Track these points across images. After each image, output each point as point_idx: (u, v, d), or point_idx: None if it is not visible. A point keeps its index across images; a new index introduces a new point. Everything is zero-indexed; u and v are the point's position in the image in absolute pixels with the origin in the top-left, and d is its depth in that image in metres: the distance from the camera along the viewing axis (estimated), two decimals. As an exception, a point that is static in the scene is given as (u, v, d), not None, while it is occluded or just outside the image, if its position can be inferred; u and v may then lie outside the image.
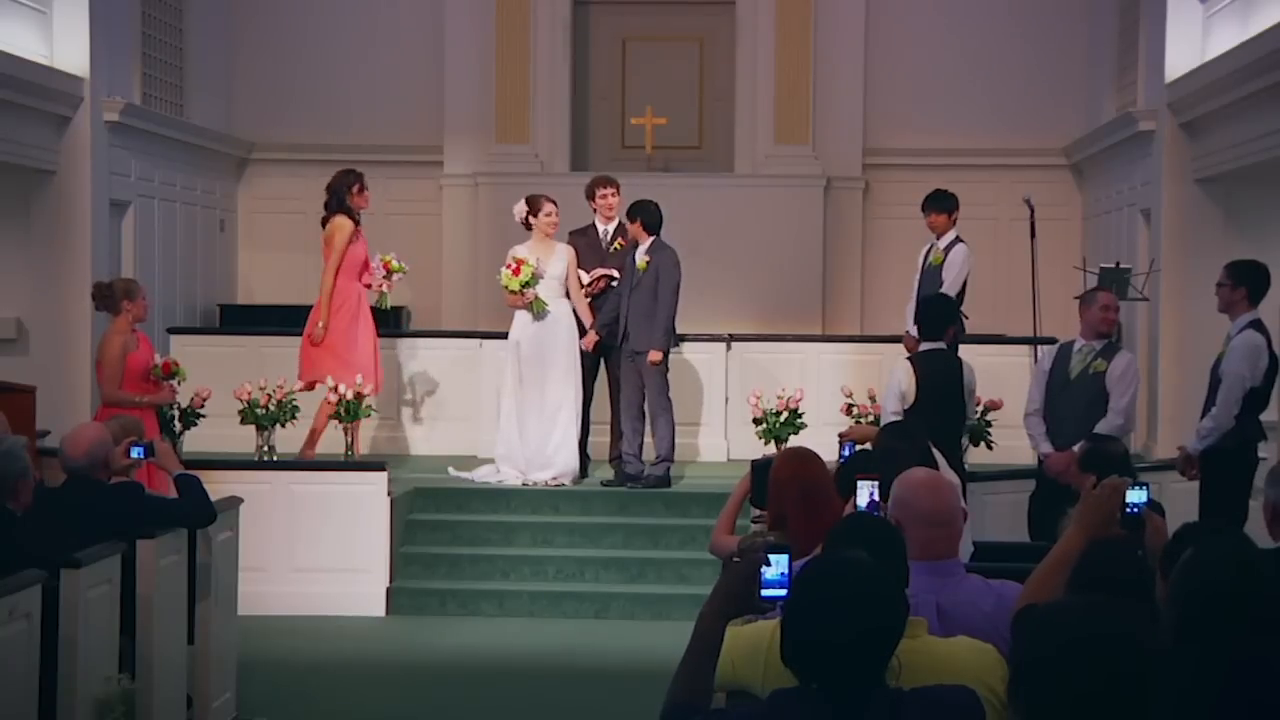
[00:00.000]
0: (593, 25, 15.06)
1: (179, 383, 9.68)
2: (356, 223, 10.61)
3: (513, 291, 10.39)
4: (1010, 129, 14.66)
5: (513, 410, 10.58)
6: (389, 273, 10.67)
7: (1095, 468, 5.89)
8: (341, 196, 10.58)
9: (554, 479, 10.52)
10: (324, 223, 10.65)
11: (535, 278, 10.38)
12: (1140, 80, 12.78)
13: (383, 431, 11.81)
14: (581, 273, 10.72)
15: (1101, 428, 8.01)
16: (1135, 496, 4.13)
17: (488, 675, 8.49)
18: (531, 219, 10.55)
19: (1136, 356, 12.39)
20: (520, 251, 10.49)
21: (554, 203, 10.58)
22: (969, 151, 14.57)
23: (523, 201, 10.64)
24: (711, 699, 3.33)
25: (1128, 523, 4.13)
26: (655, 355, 10.39)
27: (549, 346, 10.49)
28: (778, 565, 3.28)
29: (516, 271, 10.34)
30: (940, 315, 8.61)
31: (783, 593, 3.26)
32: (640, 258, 10.47)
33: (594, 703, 7.98)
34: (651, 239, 10.50)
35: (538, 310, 10.43)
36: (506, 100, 14.50)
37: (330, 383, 10.27)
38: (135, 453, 6.64)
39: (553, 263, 10.48)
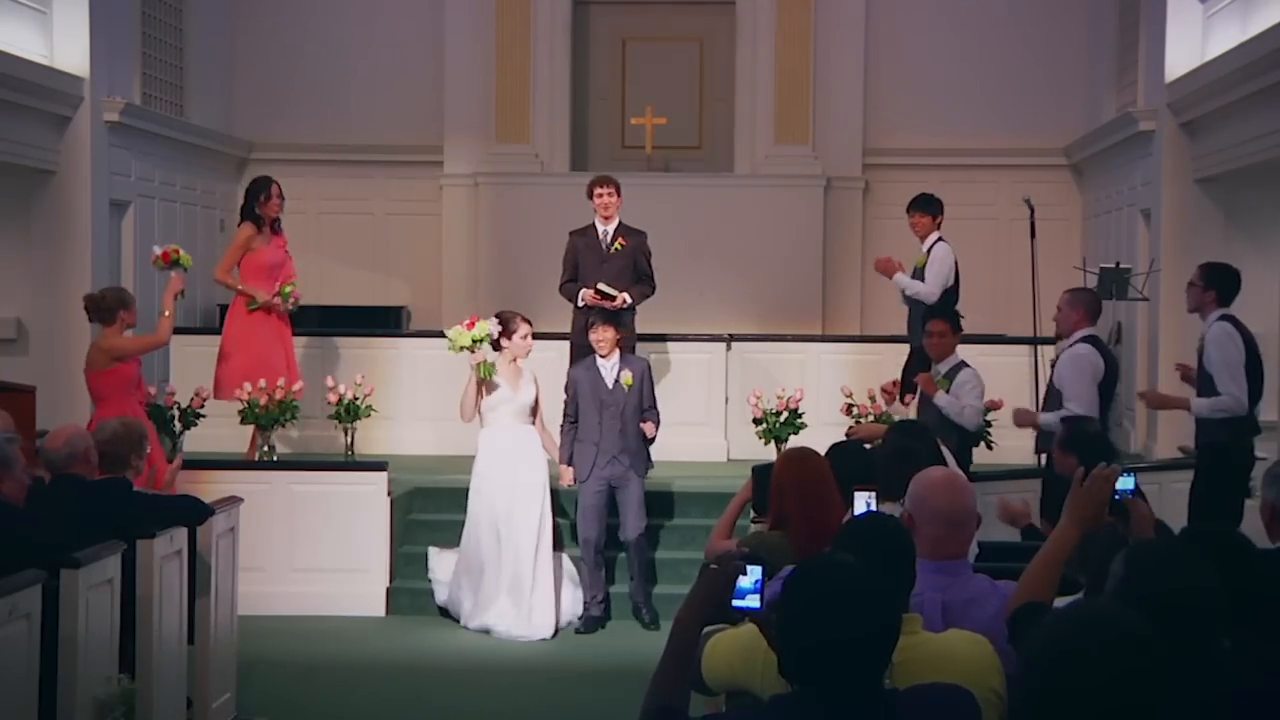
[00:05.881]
0: (593, 25, 15.06)
1: (184, 270, 9.51)
2: (274, 229, 10.78)
3: (461, 348, 9.17)
4: (1010, 129, 14.67)
5: (475, 554, 9.36)
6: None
7: (1077, 449, 6.05)
8: (252, 204, 10.79)
9: (539, 637, 9.19)
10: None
11: (489, 339, 9.15)
12: (1140, 80, 12.78)
13: (382, 432, 11.80)
14: (586, 292, 10.43)
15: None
16: (1121, 483, 4.13)
17: (487, 675, 8.49)
18: (504, 340, 9.25)
19: (1134, 355, 12.42)
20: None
21: (529, 322, 9.40)
22: (969, 151, 14.58)
23: (494, 319, 9.32)
24: (688, 704, 3.30)
25: (1116, 510, 4.13)
26: (652, 428, 9.45)
27: (519, 485, 9.27)
28: (751, 576, 3.28)
29: (470, 325, 9.19)
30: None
31: (754, 604, 3.26)
32: (619, 373, 9.43)
33: (593, 703, 7.97)
34: (623, 351, 9.59)
35: (484, 374, 9.17)
36: (506, 100, 14.50)
37: (247, 387, 10.30)
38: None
39: (523, 389, 9.34)
